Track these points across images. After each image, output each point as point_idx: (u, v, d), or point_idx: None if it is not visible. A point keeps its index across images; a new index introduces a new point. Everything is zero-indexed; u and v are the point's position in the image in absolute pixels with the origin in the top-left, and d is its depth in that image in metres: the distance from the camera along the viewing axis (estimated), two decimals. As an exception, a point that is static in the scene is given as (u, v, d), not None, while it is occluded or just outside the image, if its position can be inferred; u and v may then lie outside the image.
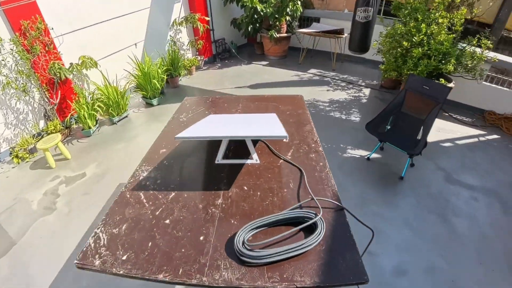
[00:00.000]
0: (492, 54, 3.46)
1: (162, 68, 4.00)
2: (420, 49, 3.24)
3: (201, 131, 1.30)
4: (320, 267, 0.91)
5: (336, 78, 5.06)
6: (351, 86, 4.75)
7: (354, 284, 0.88)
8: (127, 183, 1.32)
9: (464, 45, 3.41)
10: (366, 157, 3.00)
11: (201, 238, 1.01)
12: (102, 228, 1.08)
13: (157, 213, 1.14)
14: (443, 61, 3.24)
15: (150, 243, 1.01)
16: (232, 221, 1.07)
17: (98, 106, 3.27)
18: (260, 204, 1.16)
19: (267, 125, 1.34)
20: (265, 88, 4.68)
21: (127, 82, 3.94)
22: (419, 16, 3.40)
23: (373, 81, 4.92)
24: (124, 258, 0.96)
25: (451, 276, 1.91)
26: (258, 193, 1.21)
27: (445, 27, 3.26)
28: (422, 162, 2.91)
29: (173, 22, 4.70)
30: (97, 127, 3.45)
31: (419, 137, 2.37)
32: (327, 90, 4.59)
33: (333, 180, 1.29)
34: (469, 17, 3.63)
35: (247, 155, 1.44)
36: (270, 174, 1.32)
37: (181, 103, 2.10)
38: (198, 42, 5.16)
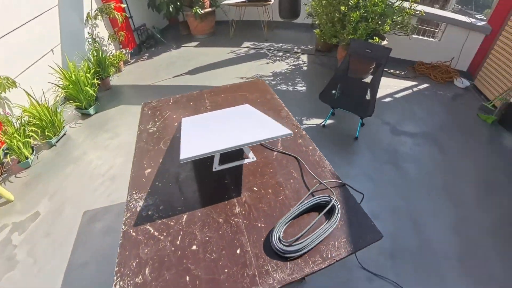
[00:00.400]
0: (419, 8, 3.68)
1: (90, 72, 3.52)
2: (357, 13, 3.27)
3: (199, 144, 1.24)
4: (347, 239, 1.05)
5: (272, 48, 5.12)
6: (288, 55, 4.87)
7: (374, 242, 1.05)
8: (124, 219, 1.17)
9: (393, 0, 3.52)
10: (321, 124, 3.21)
11: (238, 251, 1.02)
12: (121, 283, 0.93)
13: (178, 242, 1.05)
14: (379, 22, 3.37)
15: (187, 278, 0.94)
16: (259, 225, 1.10)
17: (32, 131, 2.76)
18: (276, 200, 1.20)
19: (262, 124, 1.35)
20: (206, 72, 4.51)
21: (56, 95, 3.39)
22: None
23: (307, 46, 5.11)
24: (166, 307, 0.87)
25: (410, 211, 2.31)
26: (270, 191, 1.25)
27: None
28: (371, 120, 3.23)
29: (87, 17, 4.07)
30: (35, 155, 2.94)
31: (367, 97, 2.62)
32: (267, 63, 4.64)
33: (326, 160, 1.40)
34: None
35: (241, 154, 1.45)
36: (271, 169, 1.36)
37: (140, 111, 1.92)
38: (119, 34, 4.61)
